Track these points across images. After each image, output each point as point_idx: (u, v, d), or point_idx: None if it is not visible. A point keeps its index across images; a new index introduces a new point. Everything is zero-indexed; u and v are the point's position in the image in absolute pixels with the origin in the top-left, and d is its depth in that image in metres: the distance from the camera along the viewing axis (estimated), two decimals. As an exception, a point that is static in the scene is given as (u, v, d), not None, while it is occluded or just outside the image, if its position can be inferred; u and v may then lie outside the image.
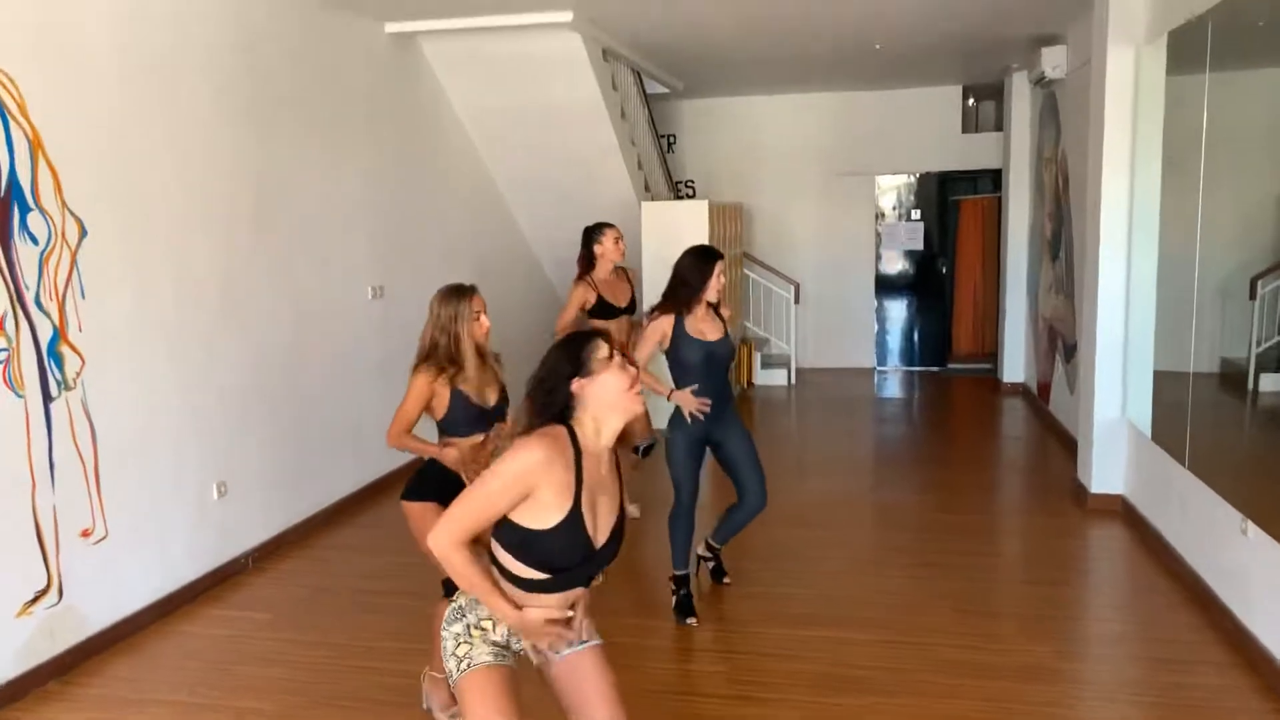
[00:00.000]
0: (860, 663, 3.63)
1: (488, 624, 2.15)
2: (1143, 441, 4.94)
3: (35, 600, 3.57)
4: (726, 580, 4.42)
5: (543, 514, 2.04)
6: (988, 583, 4.48)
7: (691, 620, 4.01)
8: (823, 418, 8.52)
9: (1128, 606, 4.30)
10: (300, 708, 3.37)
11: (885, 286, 10.49)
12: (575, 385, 2.08)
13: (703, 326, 4.01)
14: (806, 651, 3.73)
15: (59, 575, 3.66)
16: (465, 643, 2.13)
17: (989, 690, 3.40)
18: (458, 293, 3.17)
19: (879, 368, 10.47)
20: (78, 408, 3.74)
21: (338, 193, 5.58)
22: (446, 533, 2.05)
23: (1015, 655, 3.68)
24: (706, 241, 7.24)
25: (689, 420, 3.95)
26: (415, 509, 3.17)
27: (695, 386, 3.93)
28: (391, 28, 6.10)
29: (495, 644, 2.15)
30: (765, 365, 9.61)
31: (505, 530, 2.08)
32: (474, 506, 2.04)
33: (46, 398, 3.60)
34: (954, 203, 10.44)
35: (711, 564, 4.43)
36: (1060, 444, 6.80)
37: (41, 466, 3.59)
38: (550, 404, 2.09)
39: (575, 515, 2.06)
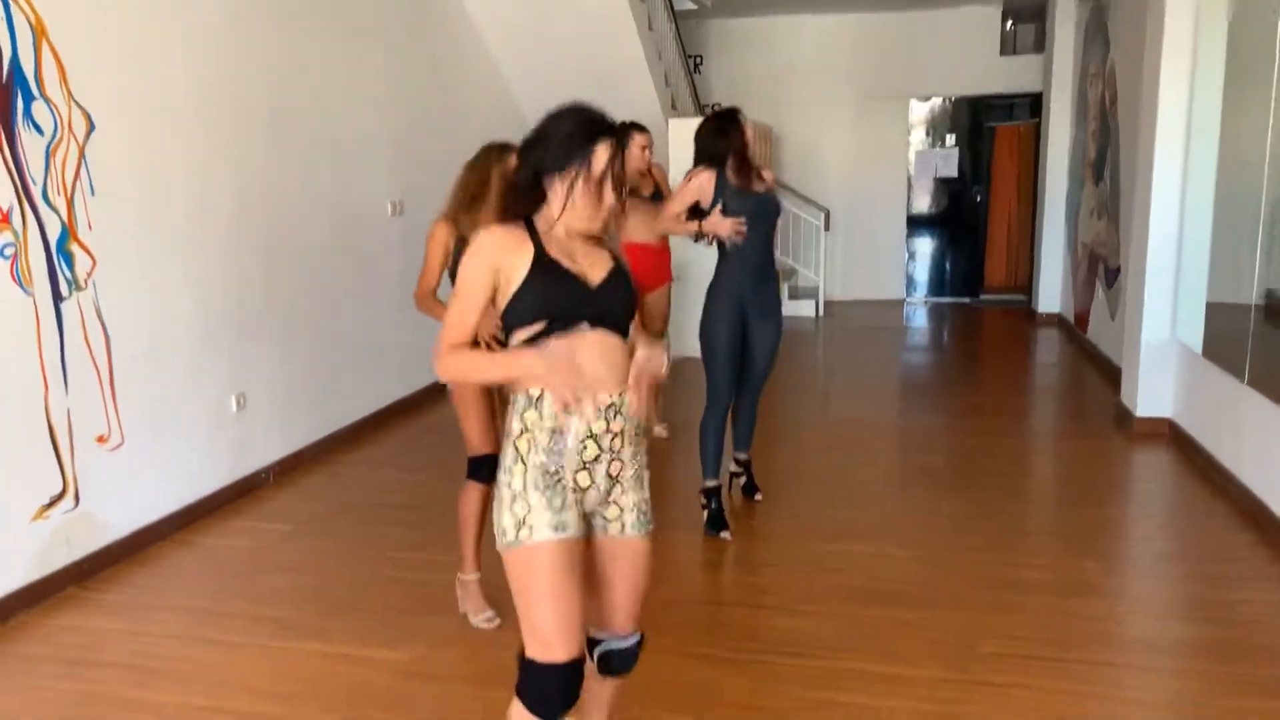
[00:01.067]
0: (897, 577, 3.49)
1: (531, 416, 1.86)
2: (1195, 361, 4.73)
3: (51, 505, 3.48)
4: (759, 497, 4.28)
5: (512, 285, 1.88)
6: (1028, 504, 4.34)
7: (725, 534, 3.88)
8: (851, 348, 8.33)
9: (1177, 526, 4.13)
10: (318, 615, 3.27)
11: (917, 215, 10.22)
12: (549, 186, 1.90)
13: (746, 182, 3.78)
14: (841, 566, 3.60)
15: (75, 480, 3.56)
16: (522, 496, 1.85)
17: (1033, 605, 3.26)
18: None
19: (909, 299, 10.24)
20: (90, 309, 3.61)
21: (356, 104, 5.37)
22: (443, 344, 1.91)
23: (1060, 572, 3.53)
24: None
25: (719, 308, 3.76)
26: (462, 394, 3.06)
27: (740, 224, 3.67)
28: (411, -69, 5.85)
29: (546, 472, 1.86)
30: (792, 297, 9.39)
31: (504, 326, 1.94)
32: (456, 308, 1.89)
33: (57, 297, 3.47)
34: (989, 129, 10.11)
35: (743, 479, 4.29)
36: (1099, 371, 6.60)
37: (54, 368, 3.47)
38: (517, 195, 1.94)
39: (542, 258, 1.87)
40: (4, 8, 3.23)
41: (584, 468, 1.89)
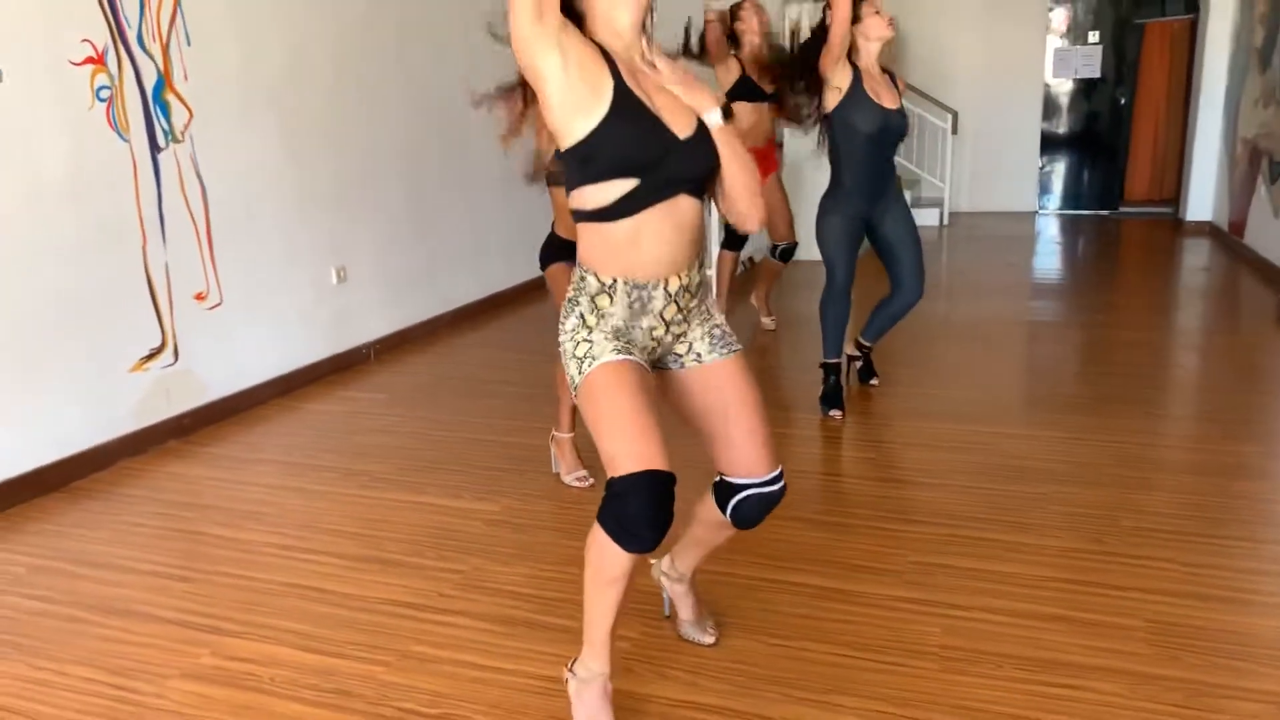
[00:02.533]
0: (1028, 454, 3.18)
1: (603, 301, 1.73)
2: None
3: (150, 357, 3.47)
4: (875, 381, 4.00)
5: (588, 107, 1.62)
6: (1177, 390, 3.94)
7: (835, 412, 3.62)
8: (978, 254, 7.81)
9: (1352, 419, 3.68)
10: (411, 470, 3.18)
11: (1053, 120, 9.48)
12: None
13: (880, 89, 3.47)
14: (966, 443, 3.30)
15: (174, 336, 3.55)
16: (584, 340, 1.72)
17: (1188, 484, 2.92)
18: None
19: (1041, 210, 9.59)
20: (187, 163, 3.55)
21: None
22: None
23: (1216, 454, 3.15)
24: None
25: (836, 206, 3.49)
26: (552, 270, 2.87)
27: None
28: None
29: (617, 330, 1.73)
30: (914, 206, 8.88)
31: (566, 166, 1.71)
32: None
33: (154, 147, 3.42)
34: (1137, 26, 9.26)
35: (860, 363, 4.01)
36: (1258, 275, 5.99)
37: (152, 220, 3.43)
38: None
39: (624, 92, 1.64)
40: None
41: (653, 339, 1.78)
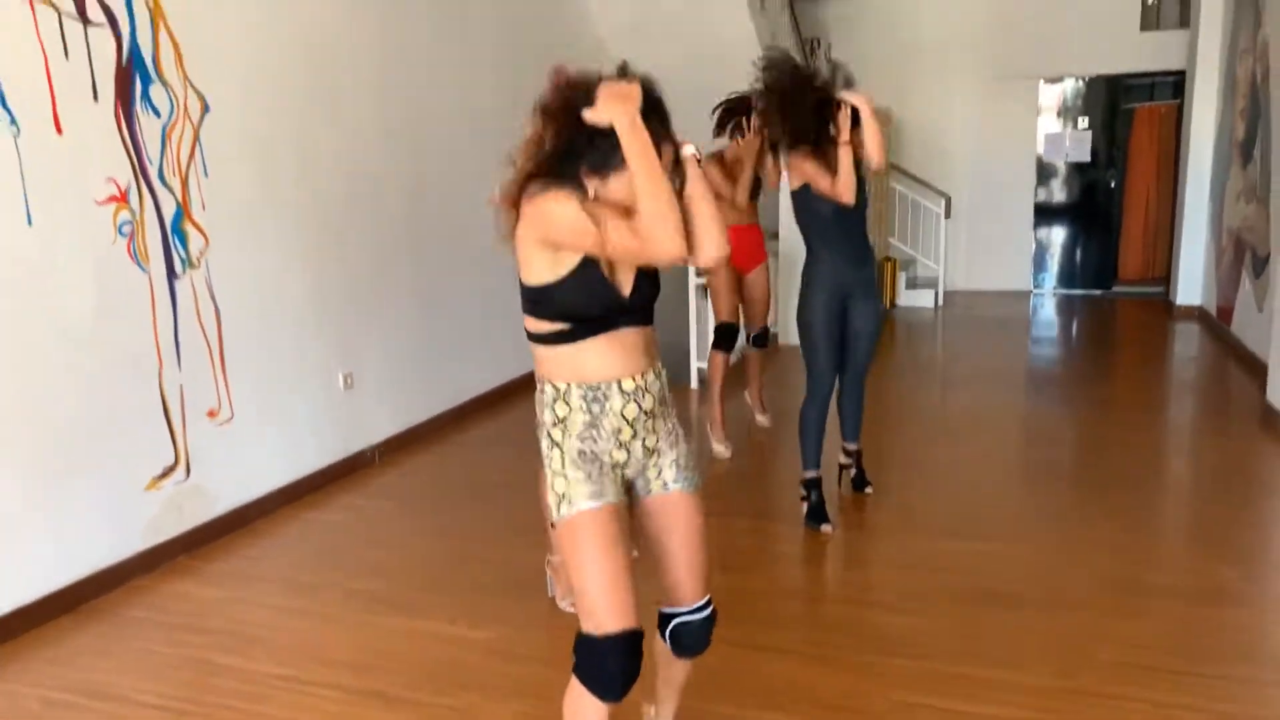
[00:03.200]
0: (1011, 576, 3.28)
1: (562, 408, 1.85)
2: (1353, 354, 4.31)
3: (164, 475, 3.60)
4: (869, 490, 4.09)
5: (555, 266, 1.79)
6: (1159, 502, 4.03)
7: (826, 527, 3.72)
8: (971, 337, 7.97)
9: (1329, 534, 3.77)
10: (411, 590, 3.29)
11: (1045, 202, 9.68)
12: (588, 181, 1.80)
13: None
14: (951, 563, 3.40)
15: (186, 453, 3.68)
16: (559, 473, 1.84)
17: (1161, 611, 3.01)
18: None
19: (1035, 290, 9.75)
20: (202, 287, 3.72)
21: (467, 80, 5.39)
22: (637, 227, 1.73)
23: (1195, 577, 3.25)
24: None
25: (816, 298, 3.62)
26: None
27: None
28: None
29: (582, 453, 1.84)
30: (910, 286, 9.07)
31: (523, 297, 1.86)
32: (598, 228, 1.76)
33: (171, 275, 3.59)
34: (1127, 110, 9.51)
35: (853, 471, 4.11)
36: (1244, 367, 6.11)
37: (168, 344, 3.59)
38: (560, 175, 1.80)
39: (586, 261, 1.79)
40: (124, -6, 3.35)
41: (620, 446, 1.87)
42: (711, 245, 1.84)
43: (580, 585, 1.82)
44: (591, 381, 1.84)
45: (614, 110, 1.71)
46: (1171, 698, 2.52)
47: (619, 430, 1.86)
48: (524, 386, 5.75)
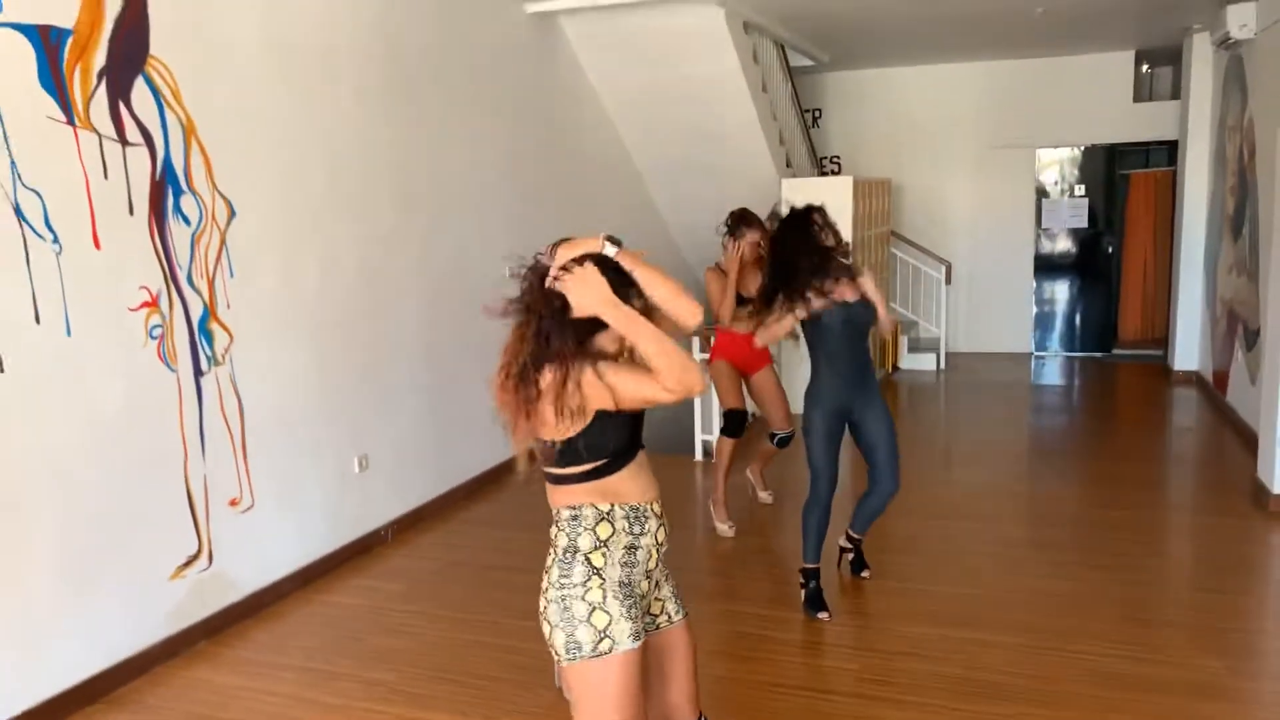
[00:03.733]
0: (1004, 668, 3.39)
1: (604, 529, 1.96)
2: (1337, 438, 4.44)
3: (187, 564, 3.75)
4: (866, 574, 4.22)
5: (585, 416, 1.95)
6: (1152, 588, 4.13)
7: (824, 615, 3.84)
8: (973, 405, 8.11)
9: (1315, 621, 3.88)
10: (424, 680, 3.42)
11: (1045, 267, 9.87)
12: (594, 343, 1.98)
13: (840, 288, 3.79)
14: (945, 653, 3.52)
15: (209, 542, 3.83)
16: (599, 607, 1.89)
17: (1153, 706, 3.12)
18: None
19: (1037, 353, 9.90)
20: (226, 382, 3.89)
21: (477, 173, 5.63)
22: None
23: (1183, 669, 3.36)
24: (851, 216, 7.00)
25: (817, 410, 3.78)
26: None
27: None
28: (532, 7, 6.11)
29: (622, 583, 1.94)
30: (913, 349, 9.23)
31: (557, 453, 2.00)
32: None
33: (198, 372, 3.76)
34: (1123, 177, 9.73)
35: (852, 555, 4.24)
36: (1239, 438, 6.23)
37: (193, 438, 3.75)
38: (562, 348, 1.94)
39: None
40: (159, 111, 3.56)
41: (646, 576, 2.00)
42: (683, 317, 2.01)
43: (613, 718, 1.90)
44: (632, 502, 1.98)
45: (589, 301, 1.90)
46: (1156, 798, 2.63)
47: (649, 558, 1.99)
48: (514, 469, 5.90)
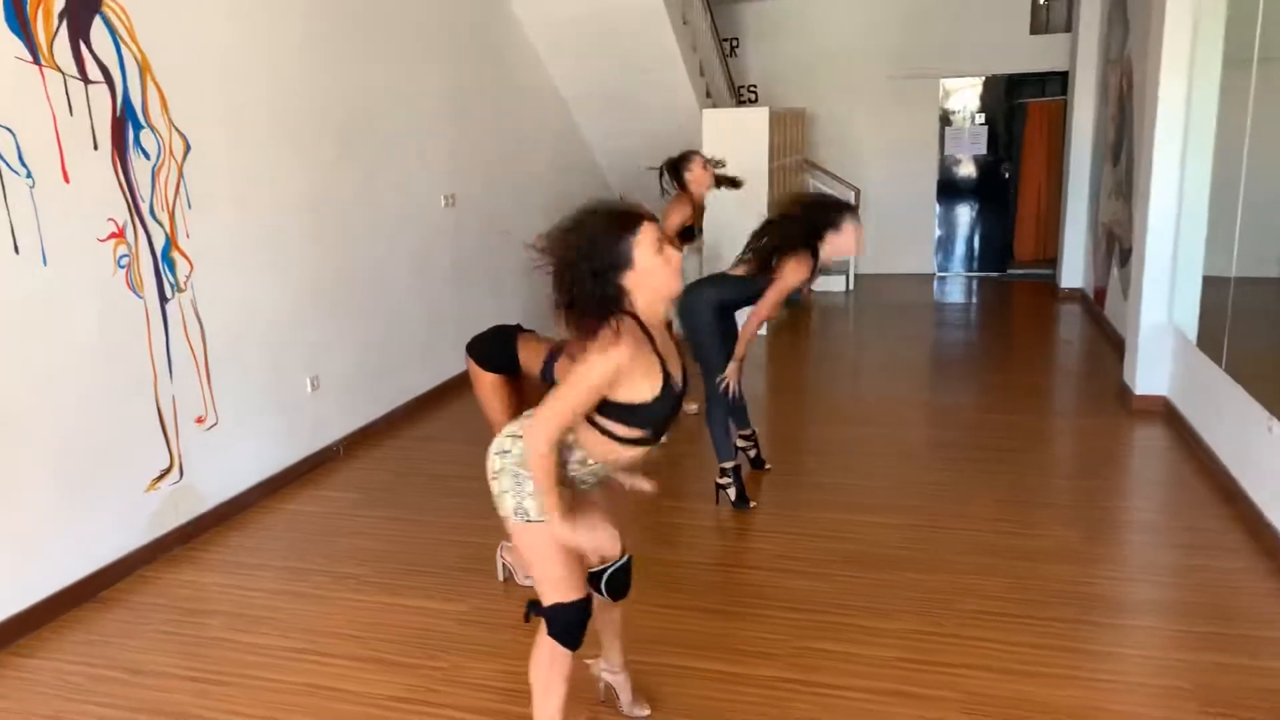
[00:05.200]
0: (894, 543, 3.95)
1: (577, 467, 2.33)
2: (1186, 345, 5.08)
3: (160, 478, 4.06)
4: (768, 467, 4.74)
5: (637, 392, 2.19)
6: (1027, 477, 4.72)
7: (752, 504, 4.35)
8: (880, 323, 8.70)
9: (1160, 499, 4.52)
10: (391, 573, 3.82)
11: (947, 192, 10.47)
12: (628, 281, 2.15)
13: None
14: (846, 533, 4.06)
15: (179, 456, 4.14)
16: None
17: (1015, 569, 3.70)
18: None
19: (939, 273, 10.55)
20: (188, 308, 4.16)
21: (415, 108, 5.86)
22: (544, 434, 2.14)
23: (1046, 540, 3.95)
24: (767, 146, 7.41)
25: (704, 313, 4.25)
26: (490, 380, 3.44)
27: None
28: (458, -59, 6.28)
29: (569, 483, 2.33)
30: (824, 272, 9.73)
31: (606, 406, 2.20)
32: (569, 406, 2.15)
33: (162, 299, 4.02)
34: (1020, 106, 10.31)
35: (752, 453, 4.74)
36: (1112, 348, 6.92)
37: (161, 361, 4.03)
38: (604, 303, 2.12)
39: (668, 385, 2.23)
40: (116, 49, 3.75)
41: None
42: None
43: (552, 566, 2.33)
44: (609, 468, 2.38)
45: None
46: (1014, 637, 3.20)
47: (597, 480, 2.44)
48: (458, 386, 6.29)
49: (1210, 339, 4.73)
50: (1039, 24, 9.81)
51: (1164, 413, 5.40)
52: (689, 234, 5.36)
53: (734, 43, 10.13)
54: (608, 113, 7.98)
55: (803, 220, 4.16)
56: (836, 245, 4.12)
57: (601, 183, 8.69)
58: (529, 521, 2.31)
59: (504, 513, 2.35)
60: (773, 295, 4.16)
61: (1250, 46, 4.36)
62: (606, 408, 2.23)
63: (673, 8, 7.13)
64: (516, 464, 2.31)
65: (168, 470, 4.09)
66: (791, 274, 4.11)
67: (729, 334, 4.32)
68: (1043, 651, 3.12)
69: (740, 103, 9.70)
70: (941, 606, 3.41)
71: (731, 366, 4.25)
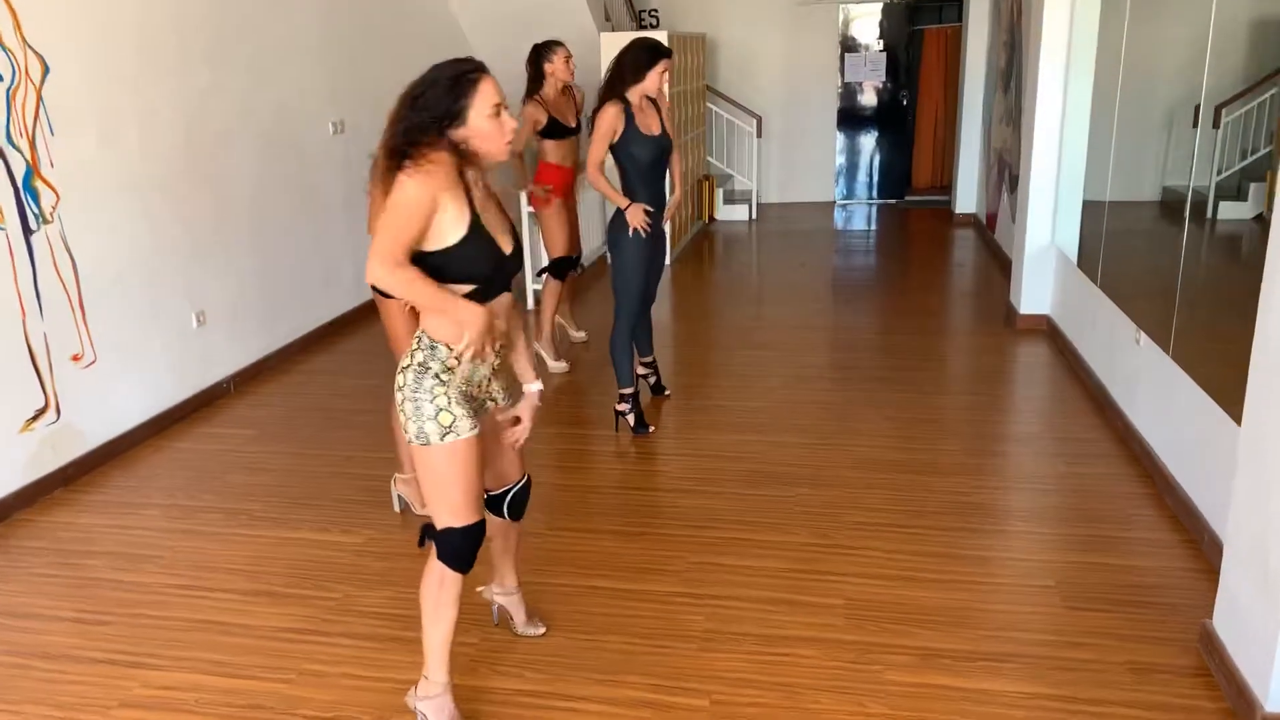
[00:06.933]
0: (786, 461, 4.05)
1: (453, 365, 2.27)
2: (1066, 265, 5.27)
3: (35, 418, 3.90)
4: (668, 393, 4.80)
5: (449, 233, 2.15)
6: (913, 393, 4.87)
7: (651, 429, 4.40)
8: (782, 251, 8.78)
9: (1038, 411, 4.73)
10: (284, 507, 3.77)
11: (848, 120, 10.56)
12: (457, 135, 2.15)
13: (649, 121, 4.18)
14: (741, 453, 4.14)
15: (55, 396, 3.98)
16: (444, 409, 2.23)
17: (900, 481, 3.84)
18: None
19: (840, 201, 10.69)
20: (57, 240, 3.96)
21: (295, 28, 5.61)
22: (381, 260, 2.09)
23: (928, 454, 4.10)
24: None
25: (631, 234, 4.18)
26: (390, 304, 3.33)
27: (646, 222, 4.16)
28: None
29: (463, 393, 2.30)
30: (727, 201, 9.80)
31: (423, 265, 2.18)
32: (394, 231, 2.10)
33: (26, 230, 3.81)
34: (918, 32, 10.40)
35: (652, 379, 4.79)
36: (1001, 271, 7.14)
37: (29, 296, 3.84)
38: (416, 141, 2.13)
39: (477, 224, 2.21)
40: (-44, -38, 3.49)
41: (484, 379, 2.41)
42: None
43: (455, 493, 2.30)
44: (476, 351, 2.27)
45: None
46: (896, 545, 3.33)
47: (483, 377, 2.39)
48: (355, 320, 6.18)
49: (1088, 258, 4.92)
50: (936, -51, 9.86)
51: (1047, 330, 5.62)
52: (558, 131, 5.21)
53: (634, -32, 9.93)
54: (501, 35, 7.74)
55: (610, 75, 4.19)
56: (642, 87, 4.12)
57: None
58: (428, 445, 2.28)
59: (408, 438, 2.31)
60: (591, 143, 4.14)
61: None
62: (423, 265, 2.19)
63: (568, -73, 6.95)
64: (413, 389, 2.27)
65: (43, 410, 3.93)
66: (601, 121, 4.10)
67: (645, 258, 4.30)
68: (923, 559, 3.25)
69: (641, 27, 9.54)
70: (830, 520, 3.53)
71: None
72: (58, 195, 3.95)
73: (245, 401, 5.00)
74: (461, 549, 2.37)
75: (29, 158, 3.81)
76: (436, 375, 2.27)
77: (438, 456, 2.29)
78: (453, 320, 2.23)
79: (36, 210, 3.86)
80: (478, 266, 2.24)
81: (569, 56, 5.17)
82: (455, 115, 2.15)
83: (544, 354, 5.33)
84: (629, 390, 4.42)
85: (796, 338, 5.94)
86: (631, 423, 4.41)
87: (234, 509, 3.77)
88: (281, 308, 5.55)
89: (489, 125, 2.18)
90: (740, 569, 3.21)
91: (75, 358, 4.08)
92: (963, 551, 3.31)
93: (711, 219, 9.63)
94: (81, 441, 4.12)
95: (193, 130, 4.76)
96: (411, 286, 2.16)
